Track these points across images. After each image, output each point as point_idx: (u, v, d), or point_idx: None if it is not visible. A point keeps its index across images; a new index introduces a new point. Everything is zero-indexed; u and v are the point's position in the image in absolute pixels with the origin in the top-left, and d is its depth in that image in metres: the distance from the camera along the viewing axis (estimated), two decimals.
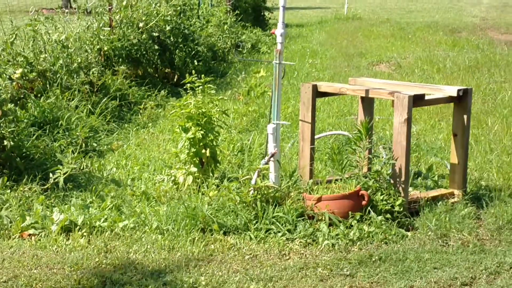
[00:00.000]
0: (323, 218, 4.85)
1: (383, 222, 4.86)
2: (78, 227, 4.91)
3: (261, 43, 15.19)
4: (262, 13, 20.54)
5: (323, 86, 5.66)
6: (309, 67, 12.28)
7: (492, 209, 5.19)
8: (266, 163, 5.25)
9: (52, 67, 8.16)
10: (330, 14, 24.68)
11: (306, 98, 5.58)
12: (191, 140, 5.65)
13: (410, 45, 15.47)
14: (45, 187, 5.63)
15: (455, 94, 5.32)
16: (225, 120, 6.89)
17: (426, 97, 5.30)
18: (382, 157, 6.03)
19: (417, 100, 5.16)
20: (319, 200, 4.94)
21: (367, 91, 5.43)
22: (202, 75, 6.18)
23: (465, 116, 5.39)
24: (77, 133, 6.98)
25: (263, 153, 6.04)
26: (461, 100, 5.37)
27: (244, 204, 4.98)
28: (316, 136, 6.44)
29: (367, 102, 5.82)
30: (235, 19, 15.43)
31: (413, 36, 17.18)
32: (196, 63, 11.06)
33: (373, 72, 11.88)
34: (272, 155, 5.23)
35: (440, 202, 5.20)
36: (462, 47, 14.92)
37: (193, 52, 11.24)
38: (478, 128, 7.66)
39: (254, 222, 4.86)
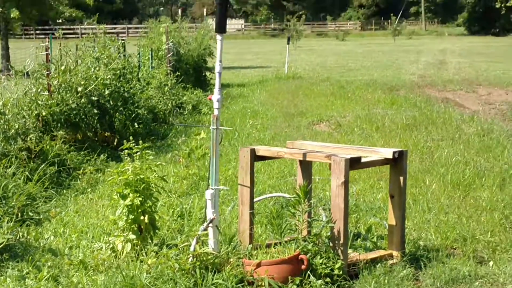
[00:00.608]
0: (263, 284, 4.82)
1: (322, 286, 4.85)
2: None
3: (202, 104, 15.26)
4: (204, 74, 20.72)
5: (261, 150, 5.69)
6: (250, 128, 12.35)
7: (430, 270, 5.23)
8: (205, 229, 5.22)
9: None
10: (271, 74, 24.98)
11: (245, 162, 5.59)
12: (129, 206, 5.60)
13: (350, 104, 15.69)
14: None
15: (390, 156, 5.39)
16: (163, 186, 6.84)
17: (363, 160, 5.35)
18: (322, 219, 6.07)
19: (354, 163, 5.21)
20: (258, 265, 4.91)
21: (304, 154, 5.47)
22: (141, 140, 6.15)
23: (401, 178, 5.46)
24: (13, 202, 6.86)
25: (204, 217, 6.01)
26: (397, 162, 5.44)
27: (183, 272, 4.93)
28: (256, 199, 6.45)
29: (305, 165, 5.85)
30: (175, 80, 15.49)
31: (353, 95, 17.45)
32: (136, 126, 11.05)
33: (313, 131, 12.00)
34: (211, 221, 5.21)
35: (379, 264, 5.22)
36: (400, 105, 15.19)
37: (133, 115, 11.23)
38: (416, 187, 7.75)
39: None
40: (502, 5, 77.11)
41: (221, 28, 5.13)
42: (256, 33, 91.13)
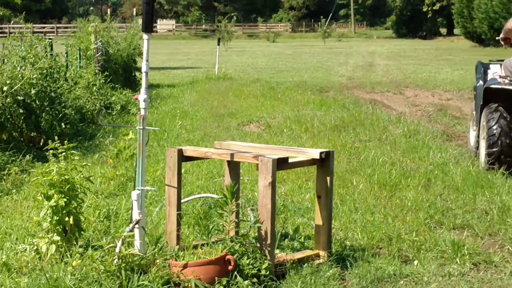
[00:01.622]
0: (189, 285, 4.79)
1: (249, 287, 4.84)
2: None
3: (131, 104, 15.12)
4: (133, 74, 20.56)
5: (189, 151, 5.65)
6: (180, 129, 12.29)
7: (356, 269, 5.28)
8: (131, 231, 5.16)
9: None
10: (201, 74, 24.92)
11: (172, 163, 5.55)
12: (54, 208, 5.50)
13: (280, 105, 15.76)
14: None
15: (318, 157, 5.42)
16: (90, 186, 6.75)
17: (290, 160, 5.38)
18: (251, 219, 6.07)
19: (281, 163, 5.23)
20: (185, 266, 4.88)
21: (232, 155, 5.46)
22: (68, 140, 6.05)
23: (328, 178, 5.50)
24: None
25: (130, 218, 5.94)
26: (324, 163, 5.48)
27: (108, 273, 4.86)
28: (184, 200, 6.42)
29: (233, 166, 5.84)
30: (104, 80, 15.32)
31: (283, 96, 17.54)
32: (63, 126, 10.89)
33: (243, 132, 12.01)
34: (137, 222, 5.15)
35: (306, 264, 5.24)
36: (329, 106, 15.32)
37: (60, 115, 11.06)
38: (344, 188, 7.82)
39: None
40: (429, 9, 78.65)
41: (147, 28, 5.08)
42: (187, 34, 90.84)
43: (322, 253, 5.50)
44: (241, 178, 7.51)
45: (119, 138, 10.37)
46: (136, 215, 5.18)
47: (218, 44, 26.75)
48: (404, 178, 8.24)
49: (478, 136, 9.23)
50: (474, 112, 9.87)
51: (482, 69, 9.51)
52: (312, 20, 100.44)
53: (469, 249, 5.78)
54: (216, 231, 5.55)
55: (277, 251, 5.47)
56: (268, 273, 4.99)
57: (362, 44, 61.64)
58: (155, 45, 55.65)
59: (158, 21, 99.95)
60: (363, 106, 15.31)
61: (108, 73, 15.94)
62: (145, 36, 5.15)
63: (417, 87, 20.33)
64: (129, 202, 6.81)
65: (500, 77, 8.75)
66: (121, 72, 18.95)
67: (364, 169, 8.74)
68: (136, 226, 5.17)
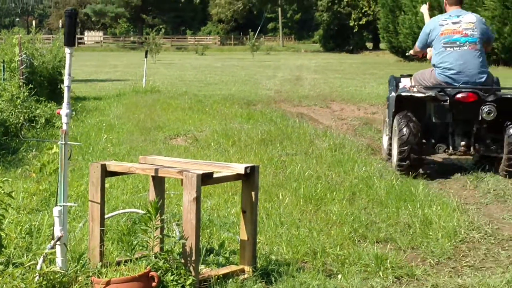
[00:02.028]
0: None
1: None
2: None
3: (56, 117, 14.86)
4: (59, 86, 20.21)
5: (112, 166, 5.59)
6: (105, 142, 12.16)
7: (281, 284, 5.29)
8: (52, 247, 5.07)
9: None
10: (129, 87, 24.72)
11: (95, 178, 5.48)
12: None
13: (207, 118, 15.74)
14: None
15: (243, 172, 5.42)
16: (11, 202, 6.60)
17: (215, 175, 5.37)
18: (176, 234, 6.03)
19: (206, 179, 5.21)
20: (107, 283, 4.81)
21: (156, 170, 5.42)
22: None
23: (253, 193, 5.51)
24: None
25: (52, 235, 5.83)
26: (249, 177, 5.48)
27: None
28: (107, 215, 6.34)
29: (158, 181, 5.80)
30: (28, 93, 15.06)
31: (210, 109, 17.52)
32: None
33: (170, 146, 11.95)
34: (58, 239, 5.07)
35: (230, 280, 5.23)
36: (257, 120, 15.37)
37: None
38: (270, 202, 7.84)
39: None
40: (356, 23, 79.86)
41: (69, 42, 5.00)
42: (115, 46, 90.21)
43: (247, 268, 5.50)
44: (166, 192, 7.48)
45: (43, 152, 10.20)
46: (57, 232, 5.10)
47: (146, 57, 26.59)
48: (329, 192, 8.31)
49: (391, 141, 10.31)
50: (386, 120, 10.93)
51: (394, 81, 10.75)
52: (241, 33, 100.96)
53: (391, 263, 5.86)
54: (141, 247, 5.49)
55: (202, 266, 5.45)
56: None
57: (290, 58, 62.14)
58: (82, 57, 55.06)
59: (86, 32, 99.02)
60: (290, 120, 15.40)
61: (32, 86, 15.64)
62: (67, 50, 5.07)
63: (343, 101, 20.56)
64: (52, 218, 6.66)
65: (410, 87, 9.97)
66: (46, 84, 18.65)
67: (290, 183, 8.79)
68: (58, 243, 5.08)
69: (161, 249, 5.47)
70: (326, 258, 6.02)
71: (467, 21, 9.65)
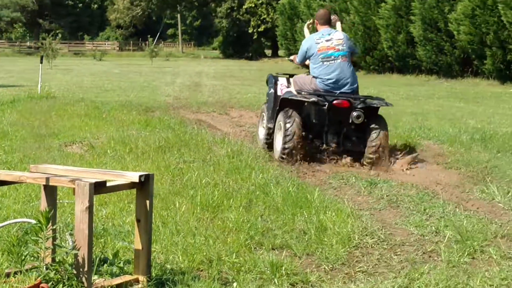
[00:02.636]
0: None
1: None
2: None
3: None
4: None
5: (2, 175, 5.44)
6: None
7: None
8: None
9: None
10: (23, 93, 24.11)
11: None
12: None
13: (104, 125, 15.50)
14: None
15: (137, 180, 5.35)
16: None
17: (109, 184, 5.28)
18: (69, 244, 5.90)
19: (99, 187, 5.12)
20: None
21: (47, 179, 5.29)
22: None
23: (147, 201, 5.44)
24: None
25: None
26: (143, 186, 5.42)
27: None
28: None
29: (50, 190, 5.65)
30: None
31: (108, 116, 17.28)
32: None
33: (64, 153, 11.70)
34: None
35: None
36: (155, 126, 15.24)
37: None
38: (166, 210, 7.77)
39: None
40: (254, 30, 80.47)
41: None
42: (10, 51, 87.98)
43: (141, 278, 5.43)
44: (60, 201, 7.33)
45: None
46: None
47: (41, 62, 26.00)
48: (226, 199, 8.30)
49: (268, 133, 12.43)
50: (263, 113, 12.98)
51: (273, 80, 12.65)
52: (140, 39, 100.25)
53: (287, 269, 5.90)
54: (31, 258, 5.35)
55: (95, 277, 5.34)
56: None
57: (190, 64, 62.04)
58: None
59: None
60: (188, 127, 15.35)
61: None
62: None
63: (242, 108, 20.64)
64: None
65: (296, 91, 11.68)
66: None
67: (187, 190, 8.74)
68: None
69: (53, 260, 5.35)
70: (222, 266, 6.01)
71: (337, 38, 11.55)
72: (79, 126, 15.28)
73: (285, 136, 11.22)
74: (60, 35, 59.05)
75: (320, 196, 8.58)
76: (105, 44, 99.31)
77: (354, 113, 11.03)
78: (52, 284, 4.86)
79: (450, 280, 5.82)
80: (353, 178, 10.24)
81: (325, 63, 11.41)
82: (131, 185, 5.47)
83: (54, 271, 4.95)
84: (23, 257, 5.09)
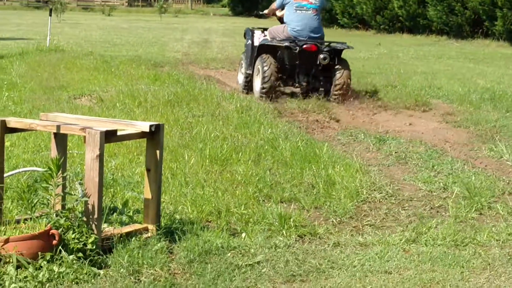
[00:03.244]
0: (11, 260, 4.62)
1: (74, 261, 4.73)
2: None
3: None
4: None
5: (12, 122, 5.44)
6: (6, 100, 11.83)
7: (185, 242, 5.28)
8: None
9: None
10: (32, 46, 24.04)
11: None
12: None
13: (113, 79, 15.47)
14: None
15: (147, 130, 5.36)
16: None
17: (119, 133, 5.29)
18: (79, 193, 5.94)
19: (110, 136, 5.13)
20: (6, 241, 4.70)
21: (58, 126, 5.30)
22: None
23: (157, 151, 5.45)
24: None
25: None
26: (154, 136, 5.43)
27: None
28: (7, 174, 6.19)
29: (60, 138, 5.66)
30: None
31: (116, 70, 17.23)
32: None
33: (74, 105, 11.70)
34: None
35: (133, 238, 5.19)
36: (164, 81, 15.20)
37: None
38: (175, 162, 7.80)
39: None
40: None
41: None
42: (18, 5, 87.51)
43: (150, 226, 5.46)
44: (70, 151, 7.37)
45: None
46: None
47: (50, 15, 25.89)
48: (235, 152, 8.32)
49: (247, 78, 14.14)
50: (242, 62, 14.74)
51: (250, 32, 14.37)
52: None
53: (295, 222, 5.93)
54: (41, 205, 5.39)
55: (105, 225, 5.39)
56: (94, 247, 4.90)
57: (199, 21, 61.66)
58: None
59: None
60: (197, 82, 15.29)
61: None
62: None
63: None
64: None
65: (270, 39, 13.45)
66: None
67: (196, 143, 8.75)
68: None
69: (63, 207, 5.38)
70: (230, 217, 6.05)
71: None
72: (88, 79, 15.25)
73: (263, 77, 12.92)
74: None
75: (328, 151, 8.58)
76: None
77: (321, 55, 12.66)
78: (62, 231, 4.88)
79: (457, 235, 5.85)
80: (362, 134, 10.24)
81: (297, 11, 13.18)
82: (142, 134, 5.48)
83: (64, 218, 4.97)
84: (33, 204, 5.11)
